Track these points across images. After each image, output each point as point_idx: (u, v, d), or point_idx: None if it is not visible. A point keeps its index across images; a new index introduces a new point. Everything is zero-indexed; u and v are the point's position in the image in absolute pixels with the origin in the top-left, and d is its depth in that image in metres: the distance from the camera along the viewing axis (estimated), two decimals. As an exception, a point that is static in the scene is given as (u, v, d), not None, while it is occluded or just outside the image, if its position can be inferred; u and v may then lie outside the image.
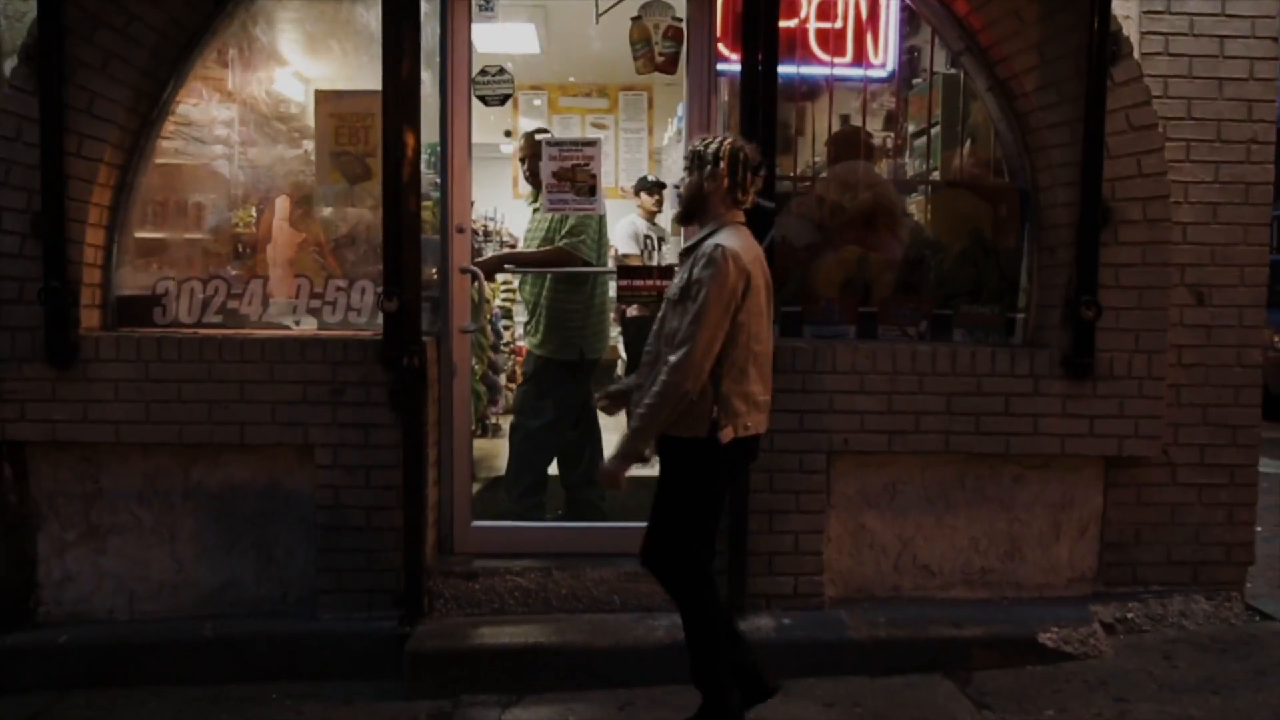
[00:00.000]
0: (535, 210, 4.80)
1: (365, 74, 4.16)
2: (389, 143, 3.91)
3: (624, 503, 5.13)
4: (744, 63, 3.96)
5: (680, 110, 8.93)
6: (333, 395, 4.04)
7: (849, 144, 4.44)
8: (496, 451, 7.00)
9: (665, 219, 7.05)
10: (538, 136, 4.54)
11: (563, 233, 4.61)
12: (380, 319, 4.01)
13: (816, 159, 4.50)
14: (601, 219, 4.72)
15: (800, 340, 4.22)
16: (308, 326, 4.27)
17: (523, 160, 4.70)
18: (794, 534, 4.15)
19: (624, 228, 6.66)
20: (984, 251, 4.33)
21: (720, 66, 4.23)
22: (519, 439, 4.84)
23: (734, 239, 3.06)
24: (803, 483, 4.14)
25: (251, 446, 4.09)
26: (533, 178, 4.75)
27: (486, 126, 9.89)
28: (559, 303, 4.75)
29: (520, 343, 7.72)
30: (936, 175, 4.66)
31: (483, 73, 4.27)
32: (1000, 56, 4.16)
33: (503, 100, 4.16)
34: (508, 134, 9.58)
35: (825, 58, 4.36)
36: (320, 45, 4.36)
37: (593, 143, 4.15)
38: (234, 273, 4.32)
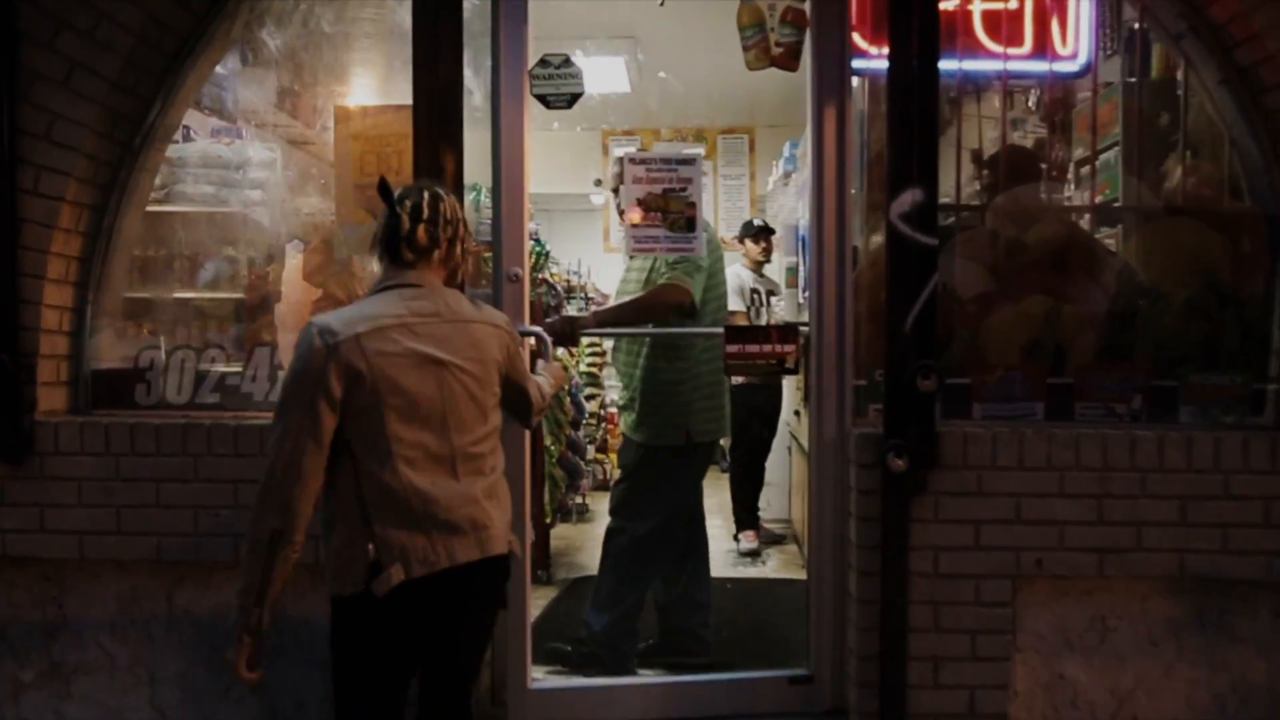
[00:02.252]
0: (632, 255, 3.86)
1: (403, 87, 3.24)
2: (422, 168, 2.96)
3: (738, 634, 4.07)
4: (894, 56, 2.93)
5: (786, 150, 7.97)
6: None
7: (1024, 159, 3.36)
8: (581, 542, 6.00)
9: (775, 269, 6.03)
10: (618, 152, 3.53)
11: (666, 266, 3.58)
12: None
13: (983, 178, 3.42)
14: (718, 259, 3.72)
15: (972, 424, 3.13)
16: (325, 407, 3.34)
17: (615, 191, 3.68)
18: (968, 689, 3.03)
19: (728, 280, 5.66)
20: (1219, 300, 3.18)
21: (856, 63, 3.20)
22: (619, 547, 3.77)
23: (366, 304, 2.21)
24: (980, 619, 3.03)
25: (249, 565, 3.15)
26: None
27: (574, 176, 9.11)
28: (657, 371, 3.67)
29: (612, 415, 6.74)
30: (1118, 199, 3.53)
31: (542, 64, 3.24)
32: (1244, 35, 3.05)
33: (569, 102, 3.16)
34: (597, 183, 8.70)
35: (995, 48, 3.30)
36: (346, 51, 3.47)
37: (690, 160, 3.12)
38: (236, 339, 3.42)
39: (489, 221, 3.24)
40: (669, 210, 2.99)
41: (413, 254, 2.21)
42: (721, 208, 9.01)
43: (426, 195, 2.24)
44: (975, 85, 3.34)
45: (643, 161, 3.11)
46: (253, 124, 3.97)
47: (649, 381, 3.65)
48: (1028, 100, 3.72)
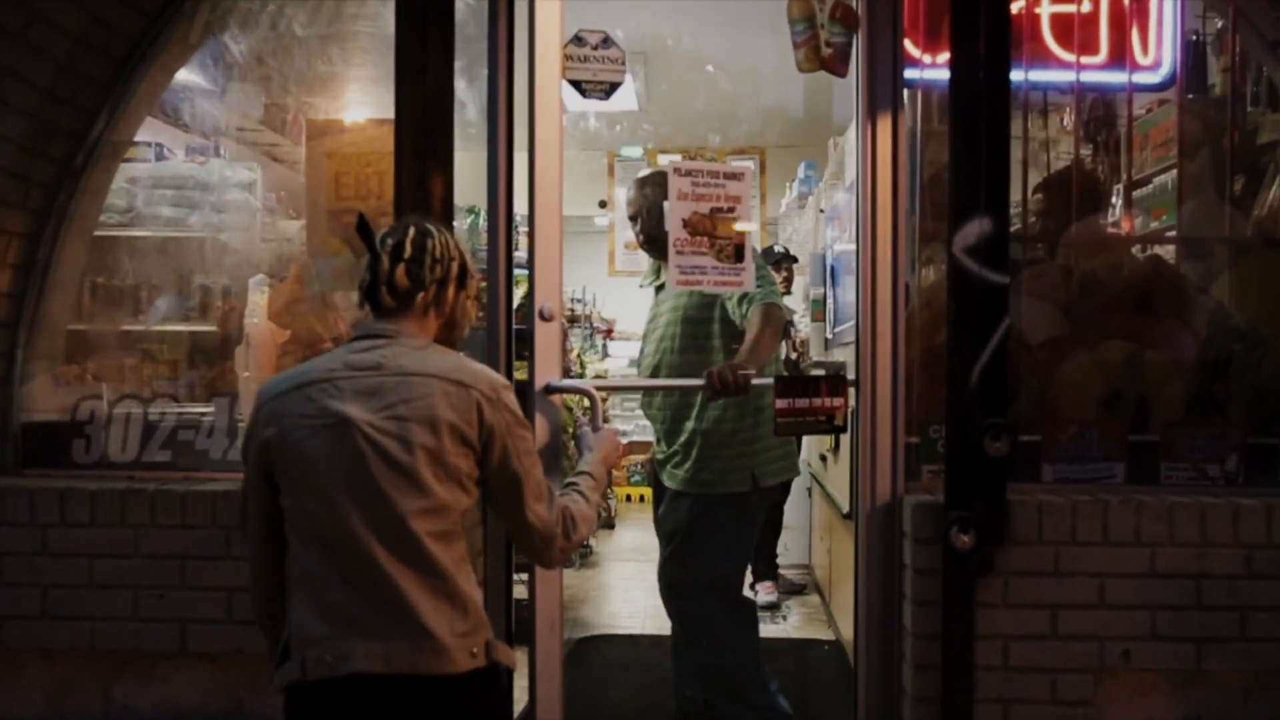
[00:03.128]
0: (659, 288, 3.33)
1: (386, 98, 2.81)
2: (405, 191, 2.53)
3: None
4: (958, 63, 2.51)
5: (801, 171, 7.57)
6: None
7: (1099, 183, 2.94)
8: (586, 592, 5.54)
9: (796, 300, 5.61)
10: (663, 161, 3.02)
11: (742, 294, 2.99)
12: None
13: (1051, 204, 2.99)
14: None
15: (1045, 489, 2.69)
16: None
17: (634, 219, 3.23)
18: (1044, 804, 2.58)
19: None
20: (1327, 346, 2.75)
21: (909, 73, 2.78)
22: (698, 618, 3.21)
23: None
24: (1058, 719, 2.57)
25: (201, 654, 2.69)
26: (651, 244, 3.23)
27: (577, 198, 8.67)
28: (717, 414, 3.12)
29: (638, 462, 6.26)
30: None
31: (577, 41, 2.67)
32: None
33: (608, 91, 2.64)
34: (602, 204, 8.29)
35: (1066, 56, 2.88)
36: (321, 57, 3.04)
37: (738, 175, 2.62)
38: (191, 387, 2.97)
39: (485, 248, 2.81)
40: (717, 235, 2.51)
41: (392, 299, 1.86)
42: (731, 231, 8.63)
43: (412, 232, 1.90)
44: (1043, 98, 2.92)
45: (689, 174, 2.59)
46: (217, 140, 3.55)
47: (706, 425, 3.11)
48: (1086, 115, 3.31)
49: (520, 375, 2.65)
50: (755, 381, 2.72)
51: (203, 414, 2.91)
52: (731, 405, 3.02)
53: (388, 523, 1.69)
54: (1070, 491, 2.66)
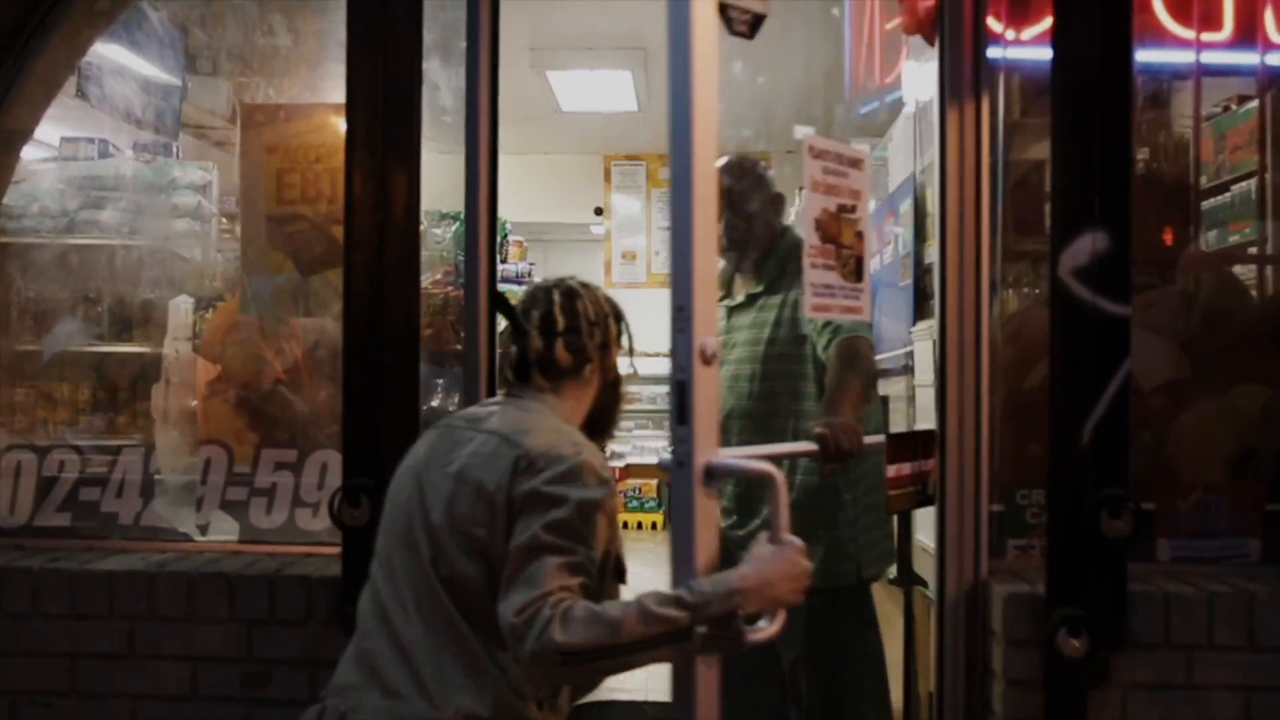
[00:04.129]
0: (734, 308, 2.61)
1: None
2: (359, 195, 1.98)
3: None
4: (1063, 40, 1.97)
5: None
6: (250, 686, 2.08)
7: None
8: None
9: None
10: (799, 134, 2.38)
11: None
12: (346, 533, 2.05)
13: (1168, 217, 2.43)
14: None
15: (1162, 571, 2.14)
16: (221, 538, 2.33)
17: (732, 207, 2.52)
18: None
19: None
20: None
21: (994, 52, 2.23)
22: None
23: None
24: None
25: (97, 778, 2.13)
26: (742, 244, 2.52)
27: (572, 204, 8.16)
28: (818, 484, 2.46)
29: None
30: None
31: None
32: None
33: (752, 26, 1.97)
34: (598, 212, 7.79)
35: (1184, 33, 2.33)
36: (261, 27, 2.48)
37: (859, 161, 1.90)
38: (98, 434, 2.41)
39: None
40: (841, 243, 1.89)
41: (547, 380, 1.69)
42: (733, 244, 8.11)
43: (557, 297, 1.71)
44: (1155, 83, 2.38)
45: (822, 154, 1.86)
46: (166, 135, 3.00)
47: (805, 499, 2.43)
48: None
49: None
50: (867, 440, 2.10)
51: (111, 467, 2.35)
52: (844, 474, 2.41)
53: (424, 580, 1.54)
54: (1200, 578, 2.10)
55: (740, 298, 2.56)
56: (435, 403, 2.55)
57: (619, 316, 1.76)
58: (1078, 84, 1.96)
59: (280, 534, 2.34)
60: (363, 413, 2.03)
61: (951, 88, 2.09)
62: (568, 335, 1.67)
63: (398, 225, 2.01)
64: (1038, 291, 2.25)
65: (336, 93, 2.13)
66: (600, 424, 1.76)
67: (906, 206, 3.20)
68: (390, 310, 2.01)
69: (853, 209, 1.84)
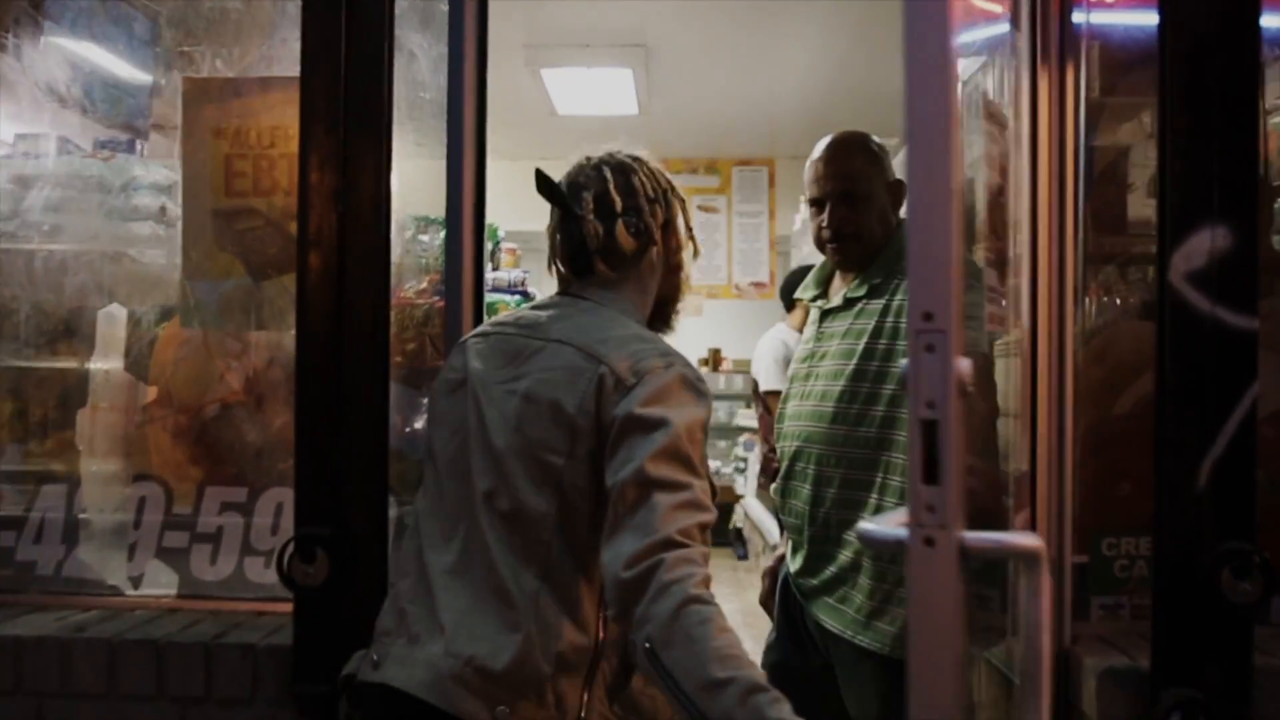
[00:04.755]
0: (828, 312, 2.15)
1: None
2: (316, 186, 1.62)
3: None
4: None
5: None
6: (180, 777, 1.71)
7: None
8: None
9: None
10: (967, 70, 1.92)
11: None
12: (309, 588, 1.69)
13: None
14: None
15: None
16: (157, 591, 1.97)
17: (816, 204, 2.14)
18: None
19: (766, 349, 4.32)
20: None
21: (1079, 17, 1.87)
22: None
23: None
24: None
25: None
26: (853, 236, 2.08)
27: (534, 211, 7.79)
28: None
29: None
30: None
31: None
32: None
33: None
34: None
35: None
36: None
37: (1003, 121, 1.55)
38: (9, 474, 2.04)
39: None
40: (995, 233, 1.54)
41: (613, 268, 1.50)
42: (737, 250, 7.80)
43: (610, 174, 1.51)
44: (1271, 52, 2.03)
45: (994, 116, 1.54)
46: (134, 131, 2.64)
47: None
48: None
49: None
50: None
51: (29, 507, 1.99)
52: None
53: (468, 512, 1.39)
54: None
55: (836, 300, 2.11)
56: (415, 427, 2.20)
57: (676, 191, 1.56)
58: (1192, 48, 1.61)
59: (227, 587, 1.98)
60: (318, 447, 1.67)
61: (1043, 48, 1.73)
62: (627, 216, 1.48)
63: (362, 219, 1.65)
64: (1130, 301, 1.90)
65: (297, 65, 1.78)
66: (661, 316, 1.59)
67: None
68: (352, 322, 1.65)
69: (1001, 191, 1.48)
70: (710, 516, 1.29)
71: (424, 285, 2.65)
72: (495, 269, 4.32)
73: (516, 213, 6.68)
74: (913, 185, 0.99)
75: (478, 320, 1.92)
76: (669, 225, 1.53)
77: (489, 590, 1.33)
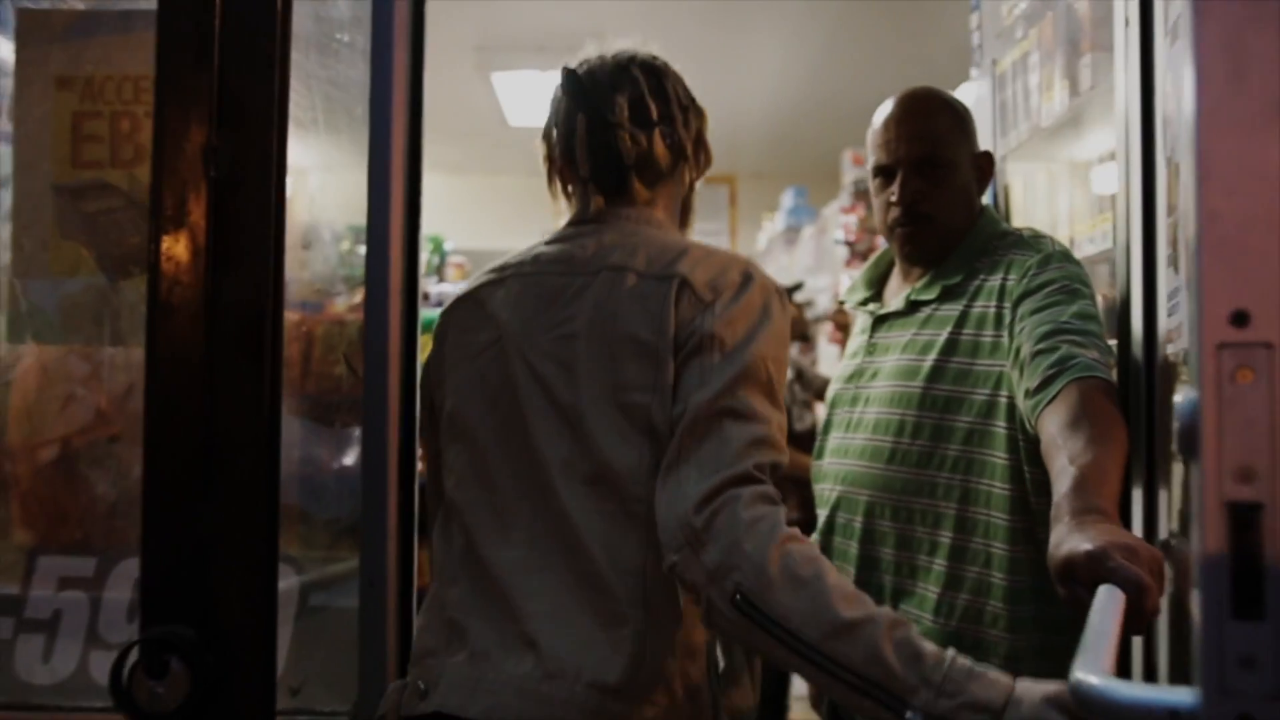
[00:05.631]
0: (883, 318, 1.70)
1: None
2: (167, 148, 1.14)
3: None
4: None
5: (789, 200, 6.30)
6: None
7: None
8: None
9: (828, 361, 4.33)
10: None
11: (1068, 327, 1.39)
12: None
13: None
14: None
15: None
16: (-39, 700, 1.46)
17: (881, 172, 1.67)
18: None
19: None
20: None
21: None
22: None
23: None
24: None
25: None
26: (928, 219, 1.62)
27: (521, 229, 7.38)
28: (1035, 600, 1.48)
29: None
30: None
31: None
32: None
33: None
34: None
35: None
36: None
37: None
38: None
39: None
40: None
41: (648, 186, 1.32)
42: (695, 272, 7.46)
43: (641, 75, 1.32)
44: None
45: None
46: None
47: (1031, 631, 1.47)
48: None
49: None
50: None
51: None
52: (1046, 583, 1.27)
53: (538, 491, 1.19)
54: None
55: (896, 303, 1.67)
56: (332, 465, 1.71)
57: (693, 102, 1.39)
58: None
59: (66, 693, 1.47)
60: (174, 512, 1.18)
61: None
62: (663, 125, 1.31)
63: (246, 188, 1.17)
64: None
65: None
66: None
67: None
68: (227, 335, 1.17)
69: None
70: (784, 459, 1.15)
71: (357, 300, 2.21)
72: (440, 281, 4.05)
73: (465, 231, 6.26)
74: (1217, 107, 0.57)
75: (408, 338, 1.46)
76: (700, 139, 1.37)
77: (577, 581, 1.15)
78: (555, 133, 1.36)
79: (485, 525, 1.23)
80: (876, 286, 1.78)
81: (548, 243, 1.33)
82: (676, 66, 1.38)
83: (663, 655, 1.14)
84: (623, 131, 1.28)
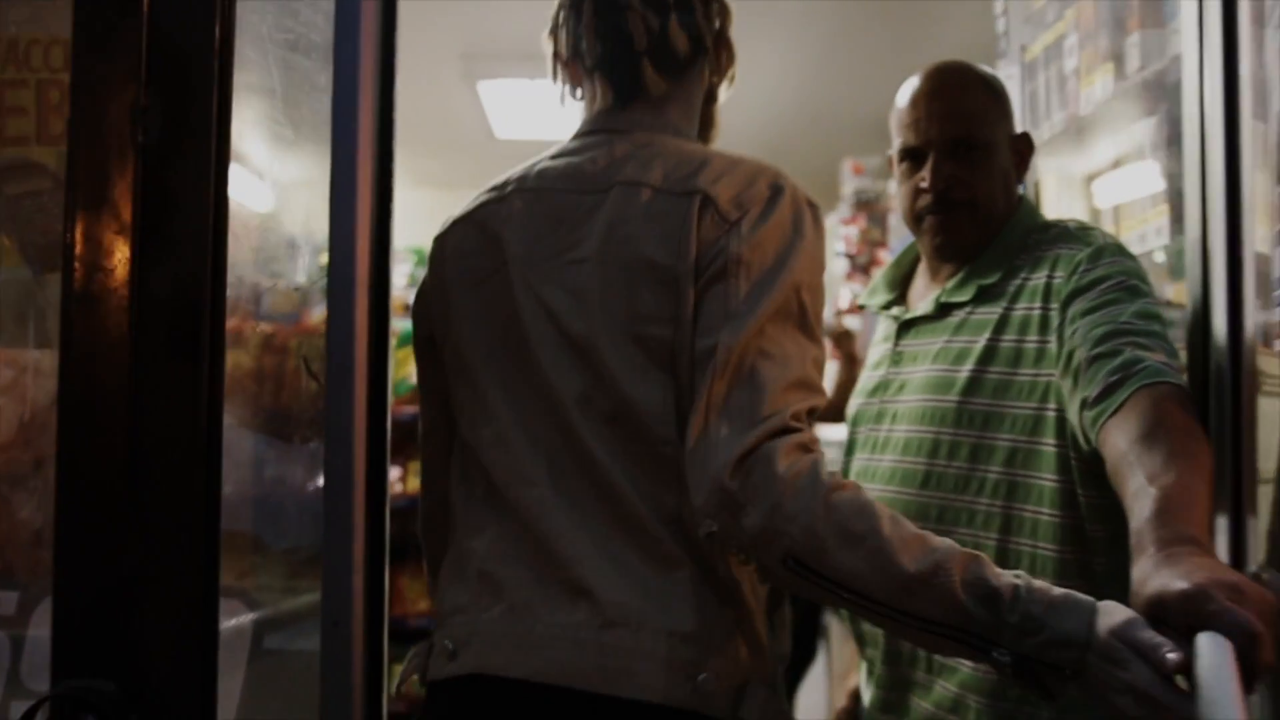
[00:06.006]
0: (909, 322, 1.49)
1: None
2: (85, 89, 0.96)
3: None
4: None
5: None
6: None
7: None
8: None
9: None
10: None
11: (1130, 328, 1.20)
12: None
13: None
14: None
15: None
16: None
17: (909, 157, 1.47)
18: None
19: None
20: None
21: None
22: None
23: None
24: None
25: None
26: (966, 206, 1.41)
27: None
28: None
29: None
30: None
31: None
32: None
33: None
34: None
35: None
36: None
37: None
38: None
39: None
40: None
41: (666, 78, 1.18)
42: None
43: None
44: None
45: None
46: None
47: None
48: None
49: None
50: None
51: None
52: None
53: (557, 429, 1.08)
54: None
55: (925, 305, 1.48)
56: (293, 487, 1.51)
57: None
58: None
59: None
60: (92, 542, 0.99)
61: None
62: (681, 11, 1.17)
63: (181, 161, 0.99)
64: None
65: None
66: None
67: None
68: (155, 331, 0.98)
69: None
70: (823, 399, 1.05)
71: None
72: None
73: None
74: None
75: (377, 347, 1.27)
76: (722, 35, 1.22)
77: (617, 523, 1.05)
78: (561, 20, 1.21)
79: (506, 466, 1.12)
80: (900, 288, 1.58)
81: (553, 156, 1.19)
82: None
83: (721, 599, 1.05)
84: (633, 12, 1.15)
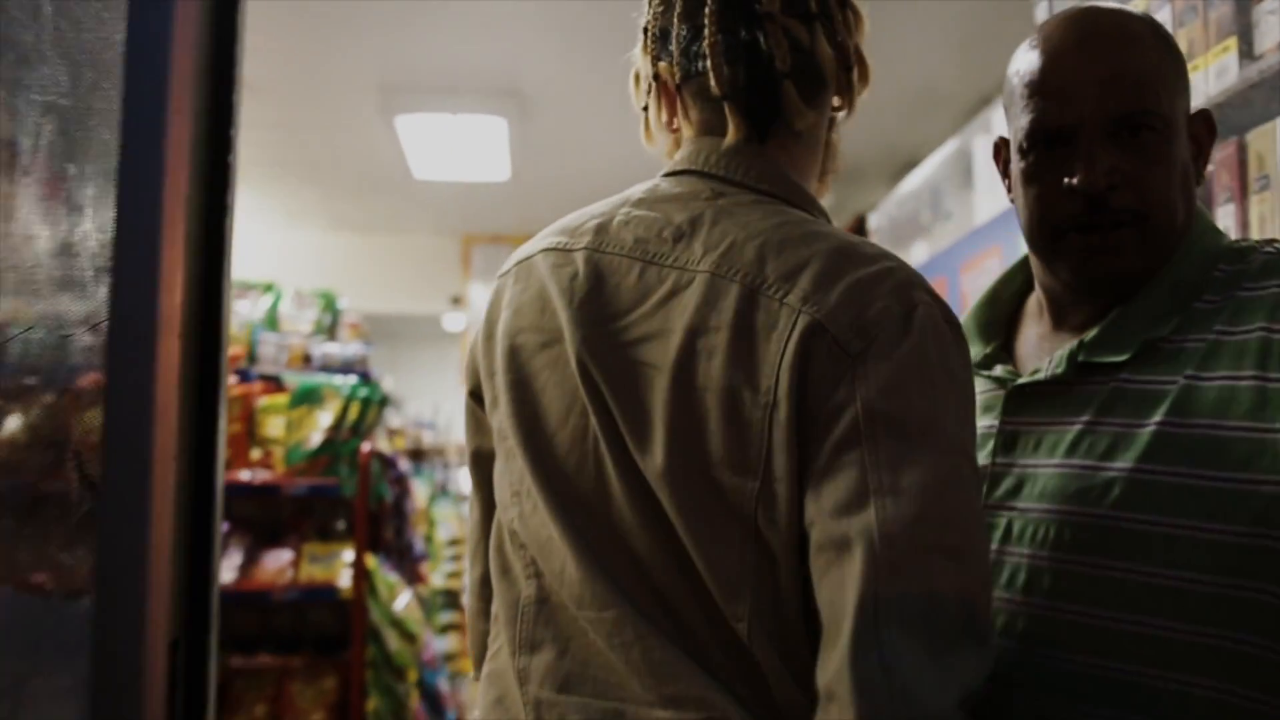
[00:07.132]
0: (1024, 391, 1.01)
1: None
2: None
3: None
4: None
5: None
6: None
7: None
8: None
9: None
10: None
11: None
12: None
13: None
14: None
15: None
16: None
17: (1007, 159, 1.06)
18: None
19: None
20: None
21: None
22: None
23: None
24: None
25: None
26: (1144, 195, 0.94)
27: (424, 292, 6.81)
28: None
29: None
30: None
31: None
32: None
33: None
34: (456, 301, 6.49)
35: None
36: None
37: None
38: None
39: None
40: None
41: (808, 100, 0.93)
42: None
43: None
44: None
45: None
46: None
47: None
48: None
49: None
50: None
51: None
52: None
53: (614, 546, 0.87)
54: None
55: (1051, 366, 1.00)
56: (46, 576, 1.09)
57: None
58: None
59: None
60: None
61: None
62: (824, 20, 0.90)
63: None
64: None
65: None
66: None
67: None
68: None
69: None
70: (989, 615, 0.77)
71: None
72: (331, 339, 3.64)
73: (364, 294, 5.69)
74: None
75: (206, 417, 0.89)
76: (858, 48, 0.95)
77: (677, 627, 0.83)
78: (661, 36, 0.93)
79: (561, 575, 0.89)
80: (1001, 335, 1.09)
81: (637, 201, 0.93)
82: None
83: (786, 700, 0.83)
84: (774, 24, 0.88)
